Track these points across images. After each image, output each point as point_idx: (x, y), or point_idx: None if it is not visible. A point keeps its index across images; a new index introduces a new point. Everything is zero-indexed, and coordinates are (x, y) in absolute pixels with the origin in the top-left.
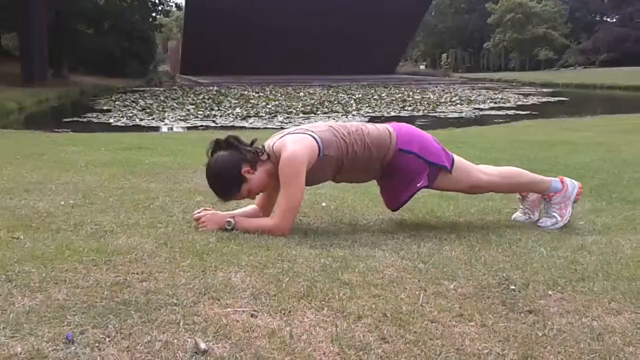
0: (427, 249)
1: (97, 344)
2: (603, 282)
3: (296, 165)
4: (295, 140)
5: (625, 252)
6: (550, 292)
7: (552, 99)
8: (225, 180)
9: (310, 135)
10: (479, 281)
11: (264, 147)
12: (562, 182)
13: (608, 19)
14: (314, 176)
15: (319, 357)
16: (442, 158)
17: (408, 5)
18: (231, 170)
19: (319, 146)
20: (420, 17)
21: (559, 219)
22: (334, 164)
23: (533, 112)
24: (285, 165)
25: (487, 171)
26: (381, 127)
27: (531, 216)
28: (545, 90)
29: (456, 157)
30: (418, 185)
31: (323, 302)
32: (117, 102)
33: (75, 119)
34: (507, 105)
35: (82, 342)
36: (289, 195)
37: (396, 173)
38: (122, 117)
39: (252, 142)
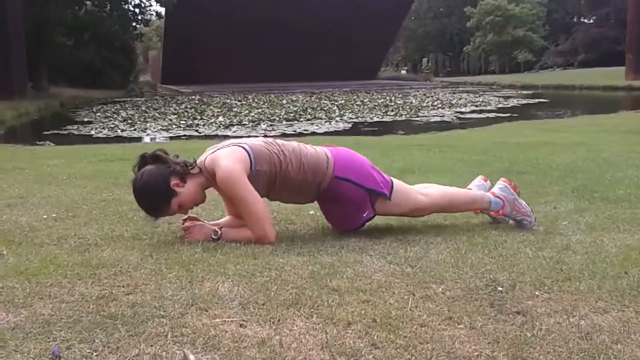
0: (414, 253)
1: (84, 359)
2: (589, 281)
3: (236, 177)
4: (226, 155)
5: (609, 251)
6: (537, 293)
7: (532, 101)
8: (154, 195)
9: (242, 148)
10: (466, 284)
11: (195, 160)
12: (496, 195)
13: (585, 20)
14: None
15: None
16: (379, 184)
17: (387, 10)
18: (160, 183)
19: (250, 159)
20: (400, 21)
21: (527, 218)
22: (266, 180)
23: (514, 115)
24: (226, 183)
25: (428, 192)
26: (320, 150)
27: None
28: (525, 92)
29: (395, 182)
30: (364, 215)
31: (312, 310)
32: (98, 114)
33: (55, 131)
34: (488, 108)
35: (68, 357)
36: (247, 204)
37: (337, 202)
38: (103, 128)
39: (177, 156)
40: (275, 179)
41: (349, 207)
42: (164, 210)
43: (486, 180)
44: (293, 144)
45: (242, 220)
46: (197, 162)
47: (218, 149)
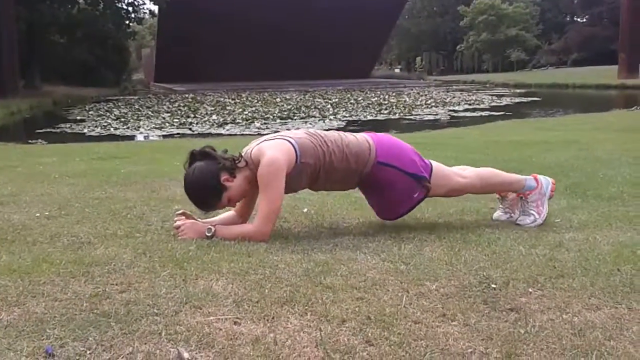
0: (408, 250)
1: (77, 357)
2: (582, 278)
3: (275, 169)
4: (273, 146)
5: (602, 248)
6: (530, 290)
7: (525, 100)
8: (205, 191)
9: (288, 141)
10: (460, 281)
11: (241, 154)
12: (536, 179)
13: (578, 19)
14: (290, 183)
15: None
16: (420, 169)
17: (382, 9)
18: (210, 180)
19: (296, 152)
20: (393, 20)
21: (537, 216)
22: (310, 172)
23: (507, 113)
24: (264, 170)
25: (465, 174)
26: (361, 138)
27: (512, 215)
28: (518, 90)
29: (434, 164)
30: (415, 196)
31: (306, 307)
32: (90, 112)
33: (48, 129)
34: (482, 106)
35: (62, 355)
36: (270, 199)
37: (382, 187)
38: (96, 126)
39: (226, 151)
40: (320, 171)
41: (396, 192)
42: (215, 205)
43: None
44: (334, 133)
45: (239, 219)
46: (243, 154)
47: (264, 141)
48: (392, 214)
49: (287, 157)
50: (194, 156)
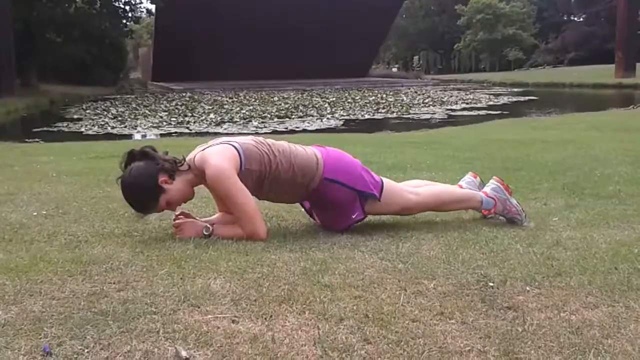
0: (406, 249)
1: (75, 356)
2: (579, 277)
3: (226, 177)
4: (216, 152)
5: (599, 247)
6: (528, 288)
7: (522, 99)
8: (141, 192)
9: (233, 146)
10: (457, 279)
11: (184, 157)
12: (487, 195)
13: (575, 19)
14: None
15: None
16: (369, 186)
17: (379, 8)
18: (147, 180)
19: (240, 158)
20: (391, 19)
21: (518, 217)
22: (255, 179)
23: (504, 112)
24: (215, 181)
25: (418, 191)
26: (309, 151)
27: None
28: (515, 90)
29: (385, 181)
30: (353, 217)
31: (304, 306)
32: (88, 111)
33: (45, 128)
34: (479, 105)
35: (60, 354)
36: (240, 204)
37: (326, 203)
38: (93, 125)
39: (166, 153)
40: (265, 179)
41: (338, 208)
42: (151, 207)
43: (476, 176)
44: (283, 144)
45: (234, 217)
46: (187, 159)
47: (208, 147)
48: (330, 228)
49: (232, 162)
50: (132, 156)
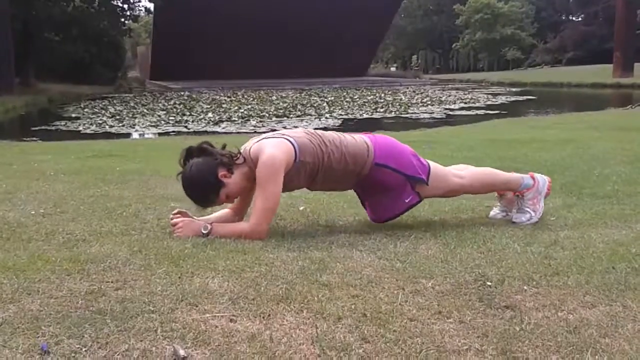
0: (404, 248)
1: (73, 354)
2: (577, 276)
3: (274, 166)
4: (272, 144)
5: (597, 246)
6: (525, 287)
7: (520, 98)
8: (203, 187)
9: (287, 140)
10: (455, 278)
11: (239, 150)
12: (533, 178)
13: (574, 18)
14: (289, 182)
15: None
16: (417, 170)
17: (377, 7)
18: (207, 176)
19: (295, 151)
20: (389, 19)
21: (532, 214)
22: (309, 171)
23: (502, 112)
24: (263, 167)
25: (462, 174)
26: (359, 138)
27: (509, 213)
28: (513, 89)
29: (432, 165)
30: (407, 201)
31: (302, 304)
32: (86, 109)
33: (43, 127)
34: (477, 105)
35: (57, 352)
36: (267, 196)
37: (377, 188)
38: (91, 124)
39: (224, 147)
40: (318, 171)
41: (389, 192)
42: (213, 201)
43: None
44: (332, 134)
45: (235, 217)
46: (242, 151)
47: (264, 139)
48: (383, 216)
49: (287, 155)
50: (190, 152)
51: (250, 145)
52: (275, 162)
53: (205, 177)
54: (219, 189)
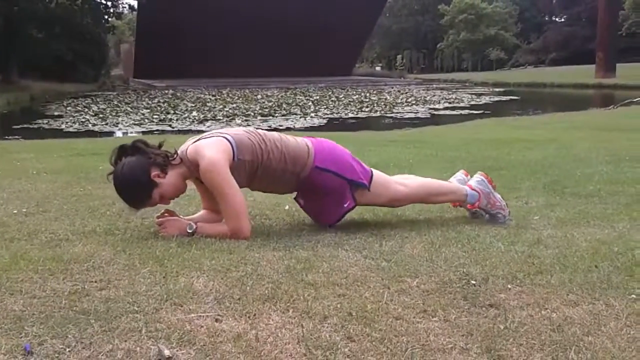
0: (389, 247)
1: (56, 355)
2: (560, 275)
3: (217, 169)
4: (208, 145)
5: (580, 245)
6: (509, 286)
7: (504, 98)
8: (134, 187)
9: (224, 138)
10: (440, 277)
11: (176, 151)
12: (472, 188)
13: (557, 19)
14: None
15: (286, 359)
16: (359, 175)
17: (362, 7)
18: (139, 175)
19: (233, 149)
20: (374, 18)
21: (502, 211)
22: (248, 169)
23: (486, 112)
24: (208, 174)
25: (407, 182)
26: (300, 140)
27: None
28: (497, 89)
29: (375, 172)
30: (345, 206)
31: (288, 304)
32: (68, 108)
33: (25, 125)
34: (461, 105)
35: (41, 353)
36: (228, 198)
37: (317, 192)
38: (74, 122)
39: (160, 145)
40: (257, 169)
41: (328, 196)
42: (145, 202)
43: (467, 174)
44: (274, 134)
45: (217, 215)
46: (179, 151)
47: (200, 139)
48: (324, 223)
49: (225, 154)
50: (124, 150)
51: (188, 146)
52: (217, 164)
53: (137, 177)
54: (151, 189)
